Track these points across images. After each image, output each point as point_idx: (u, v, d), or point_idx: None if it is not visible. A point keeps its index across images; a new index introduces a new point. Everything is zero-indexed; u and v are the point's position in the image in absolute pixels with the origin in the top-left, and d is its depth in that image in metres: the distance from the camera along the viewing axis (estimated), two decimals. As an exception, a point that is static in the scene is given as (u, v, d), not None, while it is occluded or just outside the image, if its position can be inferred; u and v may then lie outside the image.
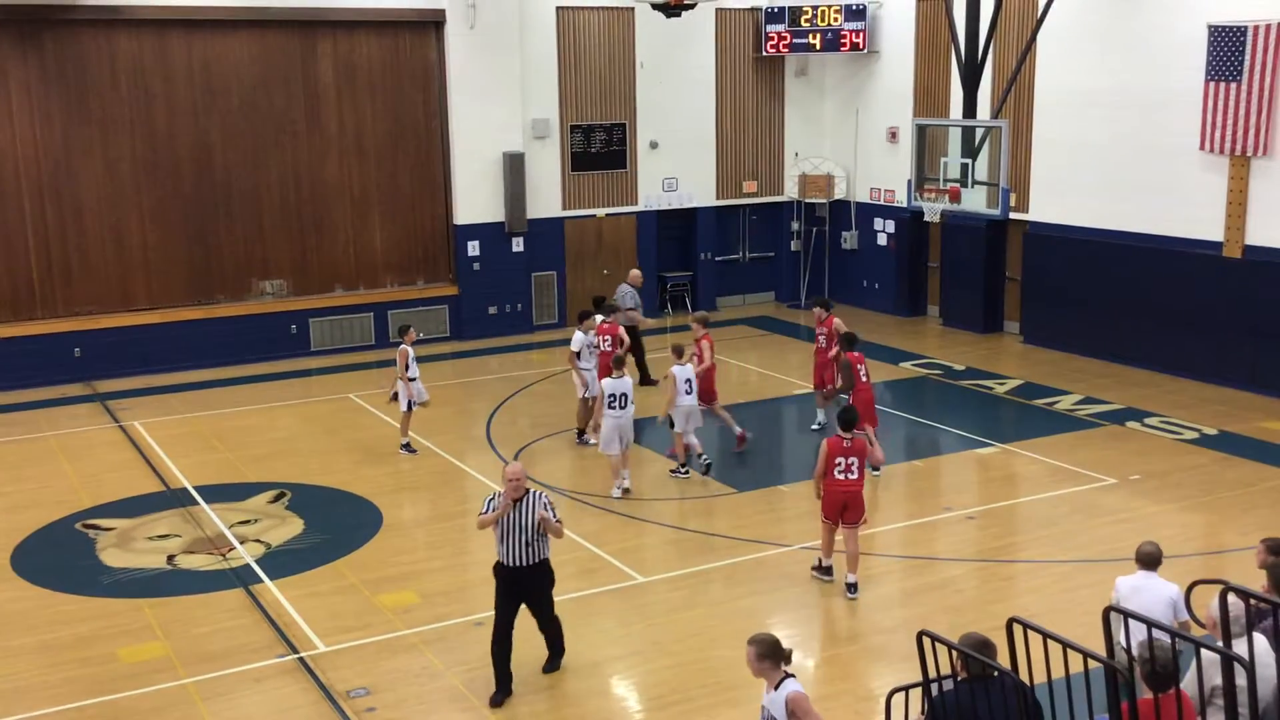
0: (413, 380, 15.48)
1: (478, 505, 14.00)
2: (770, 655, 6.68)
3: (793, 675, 6.73)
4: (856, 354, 14.45)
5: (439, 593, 11.52)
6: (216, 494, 14.36)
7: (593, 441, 15.18)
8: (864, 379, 14.42)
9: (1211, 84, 17.55)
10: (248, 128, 20.65)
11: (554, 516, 9.40)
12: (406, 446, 15.70)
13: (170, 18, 19.71)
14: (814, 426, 16.46)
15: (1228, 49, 17.25)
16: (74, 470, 15.39)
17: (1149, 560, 8.17)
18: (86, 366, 19.69)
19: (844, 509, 11.29)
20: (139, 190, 20.10)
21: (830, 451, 11.23)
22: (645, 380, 18.28)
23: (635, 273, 19.06)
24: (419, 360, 15.84)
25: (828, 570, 11.67)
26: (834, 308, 17.03)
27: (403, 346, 15.49)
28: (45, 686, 9.83)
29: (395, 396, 15.63)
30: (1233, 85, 17.27)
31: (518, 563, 9.39)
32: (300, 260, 21.38)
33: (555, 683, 9.77)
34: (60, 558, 12.58)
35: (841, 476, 11.23)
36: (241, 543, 12.82)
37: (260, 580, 11.86)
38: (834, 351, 15.39)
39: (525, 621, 9.65)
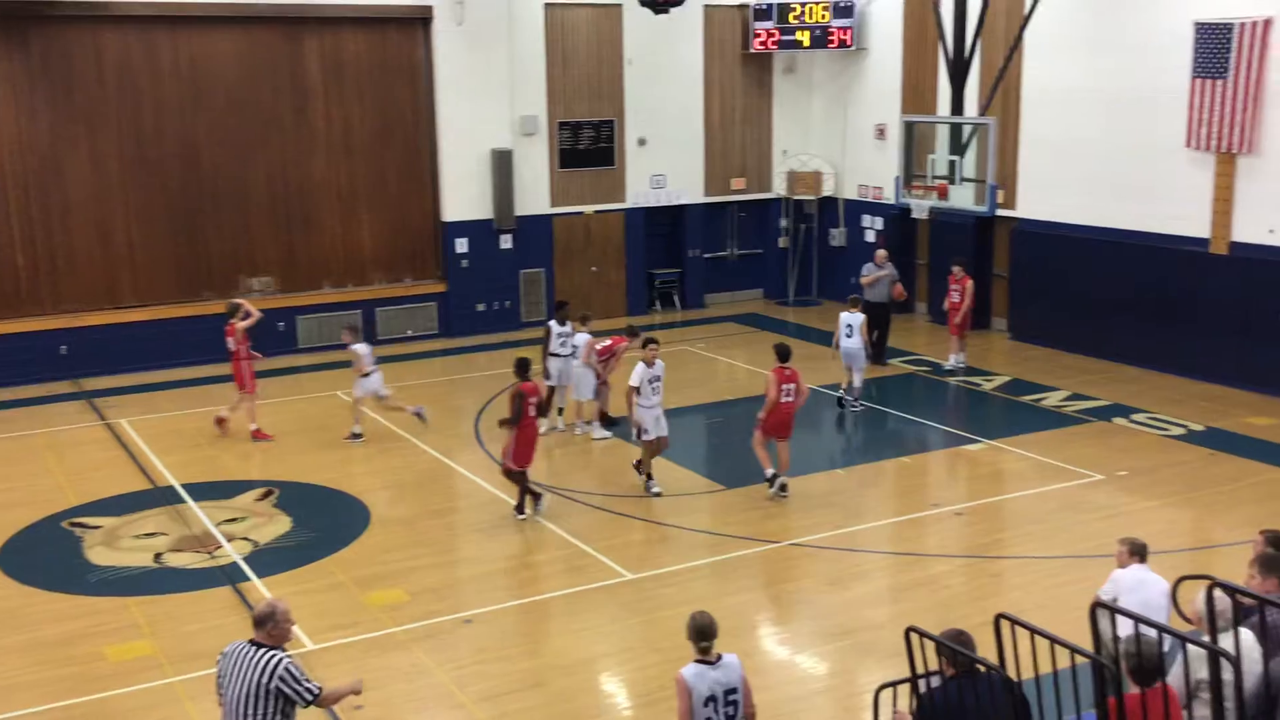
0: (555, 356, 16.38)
1: (467, 502, 14.08)
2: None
3: (697, 659, 6.88)
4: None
5: (428, 590, 11.50)
6: (204, 492, 14.31)
7: (657, 490, 13.93)
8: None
9: (1198, 81, 17.60)
10: (234, 125, 20.59)
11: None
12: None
13: (157, 14, 19.63)
14: (947, 367, 19.15)
15: (1214, 46, 17.30)
16: (61, 468, 15.33)
17: (1144, 553, 8.31)
18: (73, 364, 19.60)
19: (784, 426, 13.46)
20: (125, 187, 20.02)
21: (777, 379, 13.39)
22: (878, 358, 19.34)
23: (881, 253, 20.01)
24: (379, 360, 16.59)
25: (773, 480, 13.60)
26: (970, 269, 19.44)
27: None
28: (33, 685, 9.79)
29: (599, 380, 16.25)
30: (1219, 82, 17.32)
31: None
32: (288, 257, 21.32)
33: (545, 680, 9.77)
34: (47, 556, 12.53)
35: (788, 400, 13.41)
36: (229, 540, 12.78)
37: (248, 578, 11.83)
38: (964, 308, 18.64)
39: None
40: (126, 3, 19.38)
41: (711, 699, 6.78)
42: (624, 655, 10.29)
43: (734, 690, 6.84)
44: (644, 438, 13.94)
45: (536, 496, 13.27)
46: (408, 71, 21.74)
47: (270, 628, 6.65)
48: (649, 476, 14.02)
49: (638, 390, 13.78)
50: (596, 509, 13.56)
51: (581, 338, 16.13)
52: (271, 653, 6.57)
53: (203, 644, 10.36)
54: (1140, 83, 18.56)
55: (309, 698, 6.61)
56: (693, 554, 12.31)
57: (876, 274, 19.58)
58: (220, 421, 16.53)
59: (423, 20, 21.55)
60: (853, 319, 17.00)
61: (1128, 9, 18.78)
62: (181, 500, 14.04)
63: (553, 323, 16.56)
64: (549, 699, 9.50)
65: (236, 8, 20.13)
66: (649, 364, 13.88)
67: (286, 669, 6.53)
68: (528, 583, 11.78)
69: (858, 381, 17.15)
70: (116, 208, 20.01)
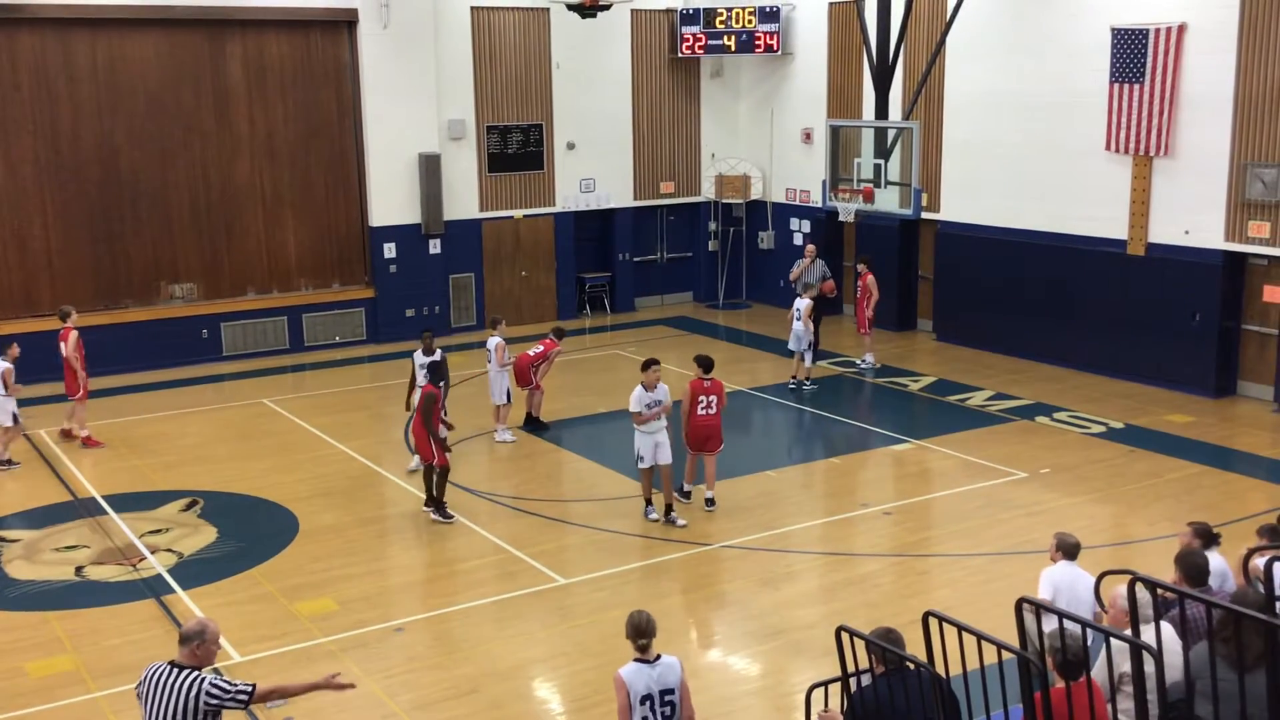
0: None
1: (397, 509, 13.96)
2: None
3: (637, 658, 6.95)
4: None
5: (358, 599, 11.38)
6: (126, 503, 14.04)
7: (653, 517, 13.19)
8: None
9: (1115, 85, 17.98)
10: (155, 128, 20.23)
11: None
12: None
13: (74, 16, 19.24)
14: (860, 364, 19.68)
15: (1130, 51, 17.69)
16: (-23, 481, 14.97)
17: (1076, 550, 8.47)
18: (-11, 374, 19.12)
19: (706, 440, 13.10)
20: (43, 192, 19.59)
21: (693, 391, 13.03)
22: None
23: (810, 248, 20.89)
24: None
25: (688, 494, 13.52)
26: (872, 264, 19.94)
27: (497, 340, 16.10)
28: (-52, 704, 9.55)
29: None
30: (1136, 86, 17.70)
31: None
32: (211, 263, 20.99)
33: (478, 687, 9.72)
34: (-37, 571, 12.23)
35: (704, 412, 13.03)
36: (153, 552, 12.55)
37: (172, 590, 11.63)
38: (871, 305, 19.40)
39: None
40: (43, 5, 18.97)
41: (648, 697, 6.80)
42: (557, 660, 10.26)
43: (671, 691, 6.87)
44: (640, 465, 13.03)
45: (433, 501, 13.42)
46: (333, 74, 21.52)
47: (195, 645, 6.52)
48: (669, 509, 13.04)
49: (639, 415, 12.87)
50: (528, 514, 13.52)
51: (493, 341, 16.07)
52: (192, 674, 6.43)
53: (126, 658, 10.17)
54: (1059, 87, 18.90)
55: (244, 698, 6.51)
56: (624, 558, 12.32)
57: (802, 266, 20.42)
58: (66, 434, 16.25)
59: (347, 23, 21.33)
60: (799, 304, 18.33)
61: (1046, 15, 19.13)
62: (103, 512, 13.76)
63: (417, 353, 15.13)
64: (482, 706, 9.45)
65: (156, 10, 19.77)
66: (649, 388, 12.81)
67: (211, 687, 6.42)
68: (459, 589, 11.71)
69: (808, 362, 18.31)
70: (34, 214, 19.57)
